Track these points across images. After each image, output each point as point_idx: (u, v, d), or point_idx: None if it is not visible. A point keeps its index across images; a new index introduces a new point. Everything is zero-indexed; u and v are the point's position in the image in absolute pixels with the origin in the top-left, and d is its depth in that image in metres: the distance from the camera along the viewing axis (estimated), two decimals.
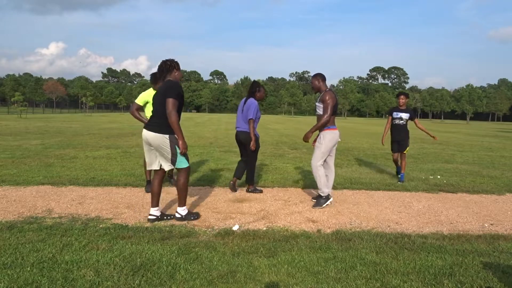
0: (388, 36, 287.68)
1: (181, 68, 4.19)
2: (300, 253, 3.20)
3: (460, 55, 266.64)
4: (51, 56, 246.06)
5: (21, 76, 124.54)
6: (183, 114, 52.00)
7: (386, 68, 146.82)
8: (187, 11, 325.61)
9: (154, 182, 4.06)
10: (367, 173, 7.46)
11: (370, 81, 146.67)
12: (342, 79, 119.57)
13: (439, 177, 7.22)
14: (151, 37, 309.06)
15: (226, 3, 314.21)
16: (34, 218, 3.98)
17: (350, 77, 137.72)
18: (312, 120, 50.12)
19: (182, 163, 3.97)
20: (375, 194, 5.63)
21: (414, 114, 6.76)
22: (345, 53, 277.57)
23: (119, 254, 3.04)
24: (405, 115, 6.66)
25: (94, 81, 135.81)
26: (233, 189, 5.56)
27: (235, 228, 3.84)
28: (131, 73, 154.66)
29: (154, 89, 5.36)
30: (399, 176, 6.68)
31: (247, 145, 5.42)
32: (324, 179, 4.78)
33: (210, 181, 6.22)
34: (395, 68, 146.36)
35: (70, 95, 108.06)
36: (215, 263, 2.94)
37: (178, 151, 3.92)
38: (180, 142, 3.88)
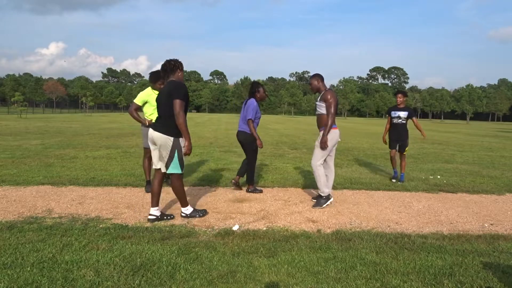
0: (388, 36, 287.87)
1: None
2: (300, 253, 3.20)
3: (460, 55, 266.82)
4: (51, 56, 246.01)
5: (21, 76, 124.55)
6: None
7: (386, 68, 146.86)
8: (187, 11, 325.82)
9: (154, 182, 4.08)
10: (367, 173, 7.46)
11: (370, 81, 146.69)
12: (342, 79, 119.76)
13: (439, 177, 7.22)
14: (151, 37, 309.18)
15: (226, 3, 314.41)
16: (34, 218, 3.98)
17: (350, 77, 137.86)
18: (312, 120, 50.11)
19: (175, 169, 3.98)
20: (375, 194, 5.63)
21: (413, 112, 6.68)
22: (345, 53, 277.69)
23: (119, 254, 3.04)
24: (403, 114, 6.59)
25: (94, 81, 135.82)
26: (237, 186, 5.59)
27: (235, 228, 3.84)
28: (131, 73, 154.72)
29: (153, 88, 5.36)
30: (396, 176, 6.63)
31: (246, 145, 5.45)
32: (324, 179, 4.78)
33: (210, 181, 6.22)
34: (395, 68, 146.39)
35: (70, 95, 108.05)
36: (215, 263, 2.94)
37: (177, 156, 3.93)
38: (186, 143, 3.92)
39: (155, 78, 5.28)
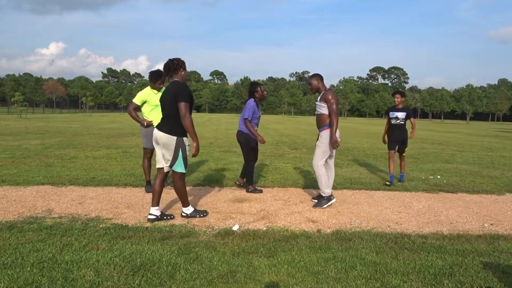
0: (388, 36, 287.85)
1: None
2: (300, 253, 3.20)
3: (460, 55, 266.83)
4: (51, 56, 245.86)
5: (21, 76, 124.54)
6: None
7: (386, 68, 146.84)
8: (187, 11, 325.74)
9: (155, 181, 4.09)
10: (367, 173, 7.46)
11: (370, 81, 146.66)
12: (342, 79, 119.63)
13: (439, 177, 7.22)
14: (151, 37, 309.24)
15: (226, 3, 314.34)
16: (34, 218, 3.98)
17: (350, 77, 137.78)
18: (312, 120, 50.11)
19: (179, 167, 3.99)
20: (375, 194, 5.63)
21: (412, 113, 6.57)
22: (345, 53, 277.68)
23: (119, 254, 3.04)
24: (401, 114, 6.47)
25: (94, 81, 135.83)
26: (241, 187, 5.61)
27: (235, 228, 3.84)
28: (131, 73, 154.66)
29: (152, 88, 5.35)
30: (392, 181, 6.33)
31: (243, 144, 5.51)
32: (326, 179, 4.77)
33: (210, 181, 6.23)
34: (395, 68, 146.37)
35: (70, 95, 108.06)
36: (215, 263, 2.94)
37: (181, 155, 3.95)
38: (195, 144, 3.95)
39: (155, 78, 5.27)
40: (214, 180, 6.27)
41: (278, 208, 4.69)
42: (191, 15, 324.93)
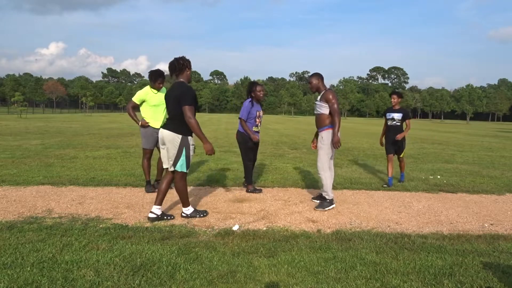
0: (388, 36, 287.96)
1: None
2: (300, 253, 3.20)
3: (460, 55, 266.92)
4: (51, 56, 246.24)
5: (21, 76, 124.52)
6: None
7: (386, 68, 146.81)
8: (187, 11, 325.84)
9: (163, 181, 4.12)
10: (367, 173, 7.46)
11: (370, 81, 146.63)
12: (342, 79, 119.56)
13: (439, 177, 7.22)
14: (151, 37, 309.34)
15: (226, 3, 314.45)
16: (34, 218, 3.98)
17: (350, 77, 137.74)
18: (312, 120, 50.12)
19: (182, 166, 4.00)
20: (375, 194, 5.63)
21: (408, 114, 6.39)
22: (345, 53, 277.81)
23: (119, 254, 3.04)
24: (397, 116, 6.31)
25: (94, 81, 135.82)
26: (254, 190, 5.57)
27: (235, 228, 3.84)
28: (131, 73, 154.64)
29: (152, 87, 5.34)
30: (391, 184, 6.24)
31: (239, 144, 5.54)
32: (331, 182, 4.76)
33: (210, 181, 6.23)
34: (395, 68, 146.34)
35: (70, 95, 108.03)
36: (215, 263, 2.94)
37: (184, 154, 3.96)
38: (204, 146, 3.98)
39: (155, 77, 5.27)
40: (214, 180, 6.27)
41: (278, 208, 4.69)
42: (191, 15, 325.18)
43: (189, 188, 5.63)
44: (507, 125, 70.51)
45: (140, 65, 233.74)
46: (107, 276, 2.67)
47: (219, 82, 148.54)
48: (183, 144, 3.96)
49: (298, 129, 26.17)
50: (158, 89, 5.36)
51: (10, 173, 6.37)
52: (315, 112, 4.91)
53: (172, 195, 5.11)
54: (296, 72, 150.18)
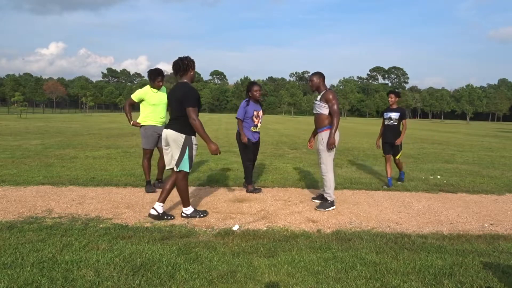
0: (388, 36, 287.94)
1: None
2: (300, 253, 3.20)
3: (460, 55, 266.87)
4: (51, 56, 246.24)
5: (21, 76, 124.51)
6: None
7: (386, 68, 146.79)
8: (187, 11, 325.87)
9: (168, 180, 4.14)
10: (367, 173, 7.46)
11: (370, 81, 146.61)
12: (342, 79, 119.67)
13: (439, 177, 7.22)
14: (151, 37, 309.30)
15: (226, 3, 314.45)
16: (34, 218, 3.98)
17: (350, 77, 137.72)
18: (312, 120, 50.14)
19: (185, 166, 4.02)
20: (375, 194, 5.63)
21: (405, 114, 6.34)
22: (345, 53, 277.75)
23: (119, 254, 3.04)
24: (394, 115, 6.26)
25: (94, 81, 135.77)
26: (254, 190, 5.56)
27: (235, 228, 3.84)
28: (131, 73, 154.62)
29: (152, 86, 5.33)
30: (391, 185, 6.17)
31: (239, 144, 5.57)
32: (334, 183, 4.75)
33: (210, 181, 6.23)
34: (395, 68, 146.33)
35: (70, 95, 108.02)
36: (215, 263, 2.94)
37: (187, 154, 3.98)
38: (209, 146, 3.99)
39: (154, 76, 5.26)
40: (214, 180, 6.27)
41: (278, 208, 4.69)
42: (191, 15, 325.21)
43: (190, 188, 5.63)
44: (507, 125, 70.51)
45: (140, 65, 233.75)
46: (107, 276, 2.67)
47: (219, 82, 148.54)
48: (187, 144, 3.97)
49: (298, 129, 26.17)
50: (158, 88, 5.36)
51: (10, 173, 6.37)
52: (314, 112, 4.90)
53: (173, 195, 5.11)
54: (296, 72, 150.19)
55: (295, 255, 3.15)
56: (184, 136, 3.95)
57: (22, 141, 11.82)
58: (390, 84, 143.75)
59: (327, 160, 4.72)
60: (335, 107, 4.66)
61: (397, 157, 6.42)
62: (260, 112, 5.61)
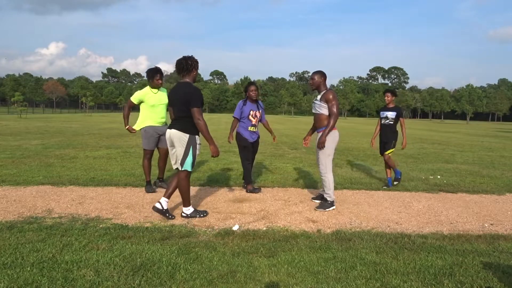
0: (388, 36, 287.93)
1: None
2: (300, 253, 3.20)
3: (460, 55, 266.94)
4: (51, 56, 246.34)
5: (21, 76, 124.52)
6: None
7: (386, 68, 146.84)
8: (187, 11, 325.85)
9: (174, 177, 4.17)
10: (367, 173, 7.46)
11: (370, 81, 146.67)
12: (342, 79, 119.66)
13: (439, 177, 7.22)
14: (151, 37, 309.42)
15: (226, 3, 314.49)
16: (34, 218, 3.98)
17: (350, 77, 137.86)
18: (312, 120, 50.18)
19: (188, 165, 4.03)
20: (375, 194, 5.63)
21: (401, 113, 6.21)
22: (345, 53, 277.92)
23: (119, 254, 3.04)
24: (390, 114, 6.14)
25: (94, 81, 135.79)
26: (254, 190, 5.56)
27: (235, 228, 3.84)
28: (131, 73, 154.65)
29: (151, 86, 5.31)
30: (391, 185, 6.16)
31: (237, 143, 5.61)
32: (333, 184, 4.74)
33: (210, 181, 6.23)
34: (395, 68, 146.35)
35: (70, 95, 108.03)
36: (215, 263, 2.94)
37: (191, 153, 4.00)
38: (211, 147, 3.99)
39: (152, 74, 5.25)
40: (214, 180, 6.27)
41: (278, 208, 4.69)
42: (191, 15, 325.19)
43: (190, 188, 5.63)
44: (507, 125, 70.51)
45: (140, 65, 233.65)
46: (107, 276, 2.67)
47: (219, 82, 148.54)
48: (191, 143, 3.99)
49: (298, 129, 26.17)
50: (157, 86, 5.32)
51: (10, 173, 6.37)
52: (314, 112, 4.88)
53: (173, 196, 5.10)
54: (296, 72, 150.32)
55: (295, 255, 3.15)
56: (188, 135, 3.97)
57: (22, 141, 11.82)
58: (390, 84, 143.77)
59: (326, 160, 4.71)
60: (334, 108, 4.63)
61: (386, 152, 6.18)
62: (258, 112, 5.62)
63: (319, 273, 2.82)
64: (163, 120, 5.41)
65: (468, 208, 4.98)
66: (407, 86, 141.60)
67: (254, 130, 5.59)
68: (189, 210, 4.17)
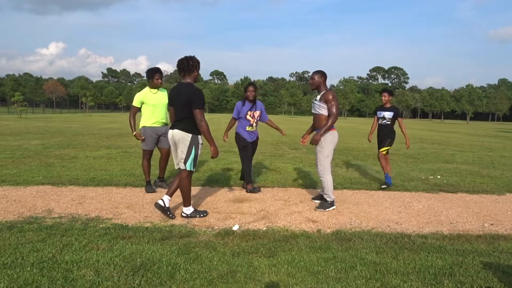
0: (388, 36, 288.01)
1: None
2: (300, 253, 3.20)
3: (460, 55, 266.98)
4: (51, 56, 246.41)
5: (21, 76, 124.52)
6: None
7: (386, 68, 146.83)
8: (187, 11, 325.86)
9: (177, 176, 4.19)
10: (367, 173, 7.46)
11: (370, 81, 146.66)
12: (342, 79, 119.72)
13: (439, 177, 7.22)
14: (151, 37, 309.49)
15: (226, 3, 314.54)
16: (34, 218, 3.98)
17: (350, 77, 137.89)
18: (312, 120, 50.16)
19: (190, 165, 4.05)
20: (375, 194, 5.63)
21: (399, 113, 6.18)
22: (345, 53, 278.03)
23: (119, 254, 3.04)
24: (388, 114, 6.11)
25: (94, 81, 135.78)
26: (254, 190, 5.55)
27: (235, 228, 3.84)
28: (131, 73, 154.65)
29: (151, 86, 5.30)
30: (390, 184, 6.11)
31: (236, 143, 5.65)
32: (332, 184, 4.73)
33: (210, 181, 6.23)
34: (395, 68, 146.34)
35: (70, 95, 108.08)
36: (215, 263, 2.94)
37: (193, 153, 4.01)
38: (211, 148, 4.00)
39: (152, 73, 5.24)
40: (214, 180, 6.27)
41: (278, 208, 4.69)
42: (191, 15, 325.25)
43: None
44: (507, 125, 70.51)
45: (140, 65, 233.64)
46: (107, 276, 2.67)
47: (219, 82, 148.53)
48: (193, 143, 4.00)
49: (298, 129, 26.17)
50: (157, 86, 5.30)
51: (10, 173, 6.37)
52: (313, 112, 4.87)
53: (174, 196, 5.10)
54: (296, 72, 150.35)
55: (295, 255, 3.15)
56: (190, 135, 3.98)
57: (22, 141, 11.82)
58: (390, 84, 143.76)
59: (325, 161, 4.70)
60: (334, 108, 4.60)
61: (381, 150, 6.16)
62: (256, 113, 5.62)
63: (319, 273, 2.82)
64: (163, 120, 5.38)
65: (468, 208, 4.98)
66: (407, 86, 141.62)
67: (252, 130, 5.60)
68: (189, 210, 4.17)
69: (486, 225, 4.22)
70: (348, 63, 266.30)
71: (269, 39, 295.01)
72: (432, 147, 14.14)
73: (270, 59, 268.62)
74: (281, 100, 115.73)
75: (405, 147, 6.29)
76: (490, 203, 5.29)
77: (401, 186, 6.26)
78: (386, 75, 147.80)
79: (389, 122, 6.14)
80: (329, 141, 4.68)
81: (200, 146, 4.07)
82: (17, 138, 12.83)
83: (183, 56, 4.02)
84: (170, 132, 4.10)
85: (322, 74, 4.78)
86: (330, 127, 4.64)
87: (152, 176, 6.05)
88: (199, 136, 4.06)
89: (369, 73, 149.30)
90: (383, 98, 6.20)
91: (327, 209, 4.66)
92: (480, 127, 47.09)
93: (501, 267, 3.00)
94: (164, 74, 6.12)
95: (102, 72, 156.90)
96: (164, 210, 4.08)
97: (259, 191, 5.52)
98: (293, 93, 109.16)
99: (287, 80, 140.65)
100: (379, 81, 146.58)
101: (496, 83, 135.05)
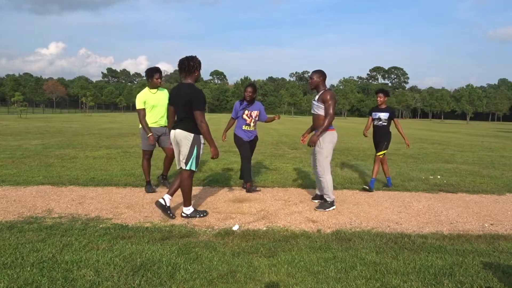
0: (388, 36, 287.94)
1: None
2: (300, 253, 3.20)
3: (460, 55, 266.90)
4: (51, 56, 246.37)
5: (21, 76, 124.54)
6: None
7: (386, 68, 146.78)
8: (187, 11, 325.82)
9: (179, 176, 4.19)
10: (367, 173, 7.46)
11: (370, 81, 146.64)
12: (342, 79, 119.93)
13: (439, 177, 7.22)
14: (151, 37, 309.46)
15: (226, 3, 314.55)
16: (34, 218, 3.98)
17: (350, 77, 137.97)
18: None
19: (192, 165, 4.05)
20: (375, 194, 5.63)
21: (394, 113, 6.06)
22: (345, 53, 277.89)
23: (119, 254, 3.04)
24: (383, 115, 6.00)
25: (94, 81, 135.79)
26: (252, 190, 5.55)
27: (235, 228, 3.84)
28: (131, 73, 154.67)
29: (150, 87, 5.29)
30: (390, 185, 6.13)
31: (235, 143, 5.71)
32: (332, 184, 4.73)
33: (210, 181, 6.23)
34: (395, 68, 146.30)
35: (70, 95, 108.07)
36: (215, 263, 2.94)
37: (195, 152, 4.02)
38: (211, 149, 4.01)
39: (151, 73, 5.22)
40: (214, 180, 6.27)
41: (278, 208, 4.69)
42: (191, 15, 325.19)
43: None
44: (507, 125, 70.52)
45: (140, 65, 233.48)
46: (107, 276, 2.67)
47: (219, 82, 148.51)
48: (195, 143, 4.01)
49: (298, 129, 26.17)
50: (157, 86, 5.29)
51: (10, 173, 6.37)
52: (312, 112, 4.87)
53: (176, 198, 5.10)
54: (296, 72, 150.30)
55: (295, 255, 3.15)
56: (192, 135, 3.99)
57: (22, 141, 11.82)
58: (390, 84, 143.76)
59: (324, 162, 4.70)
60: (330, 109, 4.56)
61: (378, 154, 6.05)
62: (254, 112, 5.62)
63: (319, 273, 2.82)
64: (163, 120, 5.36)
65: (468, 208, 4.98)
66: (407, 86, 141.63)
67: (248, 129, 5.62)
68: (189, 210, 4.17)
69: (486, 225, 4.23)
70: (348, 63, 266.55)
71: (269, 39, 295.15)
72: (432, 147, 14.14)
73: (270, 59, 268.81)
74: (281, 100, 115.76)
75: (405, 147, 6.24)
76: (490, 203, 5.29)
77: (401, 186, 6.27)
78: (386, 75, 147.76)
79: (385, 123, 6.05)
80: (327, 142, 4.67)
81: (202, 146, 4.08)
82: (17, 138, 12.83)
83: (184, 56, 4.02)
84: (172, 132, 4.10)
85: (321, 74, 4.76)
86: (327, 128, 4.61)
87: (152, 176, 6.05)
88: (201, 136, 4.06)
89: (369, 73, 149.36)
90: (378, 99, 6.12)
91: (327, 209, 4.66)
92: (480, 127, 47.10)
93: (501, 267, 3.00)
94: (164, 74, 6.10)
95: (102, 72, 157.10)
96: (165, 209, 4.08)
97: (259, 190, 5.53)
98: (293, 93, 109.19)
99: (287, 80, 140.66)
100: (379, 81, 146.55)
101: (496, 83, 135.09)
